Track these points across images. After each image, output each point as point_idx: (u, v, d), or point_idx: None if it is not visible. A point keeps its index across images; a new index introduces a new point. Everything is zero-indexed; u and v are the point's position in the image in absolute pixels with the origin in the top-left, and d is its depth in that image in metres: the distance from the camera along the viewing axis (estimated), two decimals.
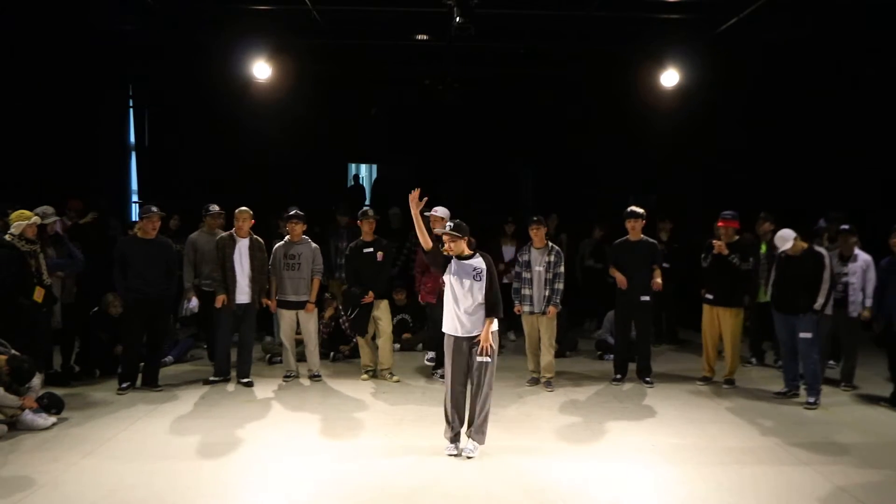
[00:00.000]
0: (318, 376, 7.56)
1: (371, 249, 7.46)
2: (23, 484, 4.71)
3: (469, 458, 5.25)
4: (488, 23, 8.30)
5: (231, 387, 7.19)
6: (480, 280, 5.26)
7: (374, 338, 7.66)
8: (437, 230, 5.44)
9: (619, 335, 7.68)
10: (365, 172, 17.66)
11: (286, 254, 7.44)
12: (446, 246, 5.34)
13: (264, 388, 7.17)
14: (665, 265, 7.67)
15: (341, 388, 7.27)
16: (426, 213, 7.70)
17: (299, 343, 7.68)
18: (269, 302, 7.35)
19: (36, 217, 6.60)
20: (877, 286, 7.07)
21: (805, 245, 6.70)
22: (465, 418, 5.43)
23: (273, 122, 11.91)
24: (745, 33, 9.24)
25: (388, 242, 7.70)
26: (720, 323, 7.37)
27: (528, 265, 7.24)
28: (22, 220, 6.50)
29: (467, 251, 5.36)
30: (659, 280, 7.30)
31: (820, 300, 6.58)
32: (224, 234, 7.32)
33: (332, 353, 8.36)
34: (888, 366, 7.15)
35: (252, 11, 8.97)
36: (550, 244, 7.30)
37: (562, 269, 7.21)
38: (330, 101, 12.74)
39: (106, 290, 7.54)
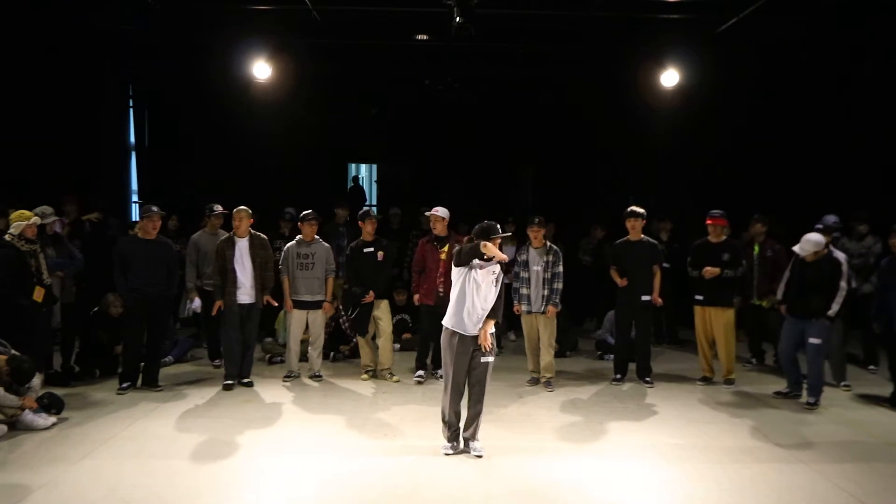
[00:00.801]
0: (319, 376, 7.57)
1: (371, 249, 7.46)
2: (23, 484, 4.71)
3: (479, 456, 5.24)
4: (488, 23, 8.30)
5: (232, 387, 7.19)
6: (497, 284, 5.27)
7: (374, 338, 7.66)
8: (495, 237, 5.25)
9: (619, 335, 7.68)
10: (365, 172, 17.68)
11: (299, 253, 7.44)
12: (491, 252, 5.18)
13: (264, 388, 7.17)
14: (665, 265, 7.68)
15: (341, 388, 7.27)
16: (427, 213, 7.72)
17: (302, 342, 7.67)
18: (270, 298, 7.27)
19: (35, 217, 6.60)
20: (878, 286, 7.07)
21: (825, 251, 6.68)
22: (461, 422, 5.43)
23: (273, 122, 11.91)
24: (745, 33, 9.24)
25: (389, 242, 7.70)
26: (712, 322, 7.38)
27: (526, 265, 7.25)
28: (21, 221, 6.50)
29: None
30: (656, 294, 7.31)
31: (834, 307, 6.56)
32: (223, 236, 7.27)
33: (332, 353, 8.37)
34: (888, 366, 7.16)
35: (252, 11, 8.96)
36: (549, 244, 7.30)
37: (560, 268, 7.21)
38: (330, 101, 12.75)
39: (106, 290, 7.54)
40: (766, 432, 5.94)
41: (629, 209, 7.45)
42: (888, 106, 9.40)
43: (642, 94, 10.74)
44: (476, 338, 5.30)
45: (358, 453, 5.39)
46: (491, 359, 5.34)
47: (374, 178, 17.76)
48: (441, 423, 5.43)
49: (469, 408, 5.39)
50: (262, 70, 9.72)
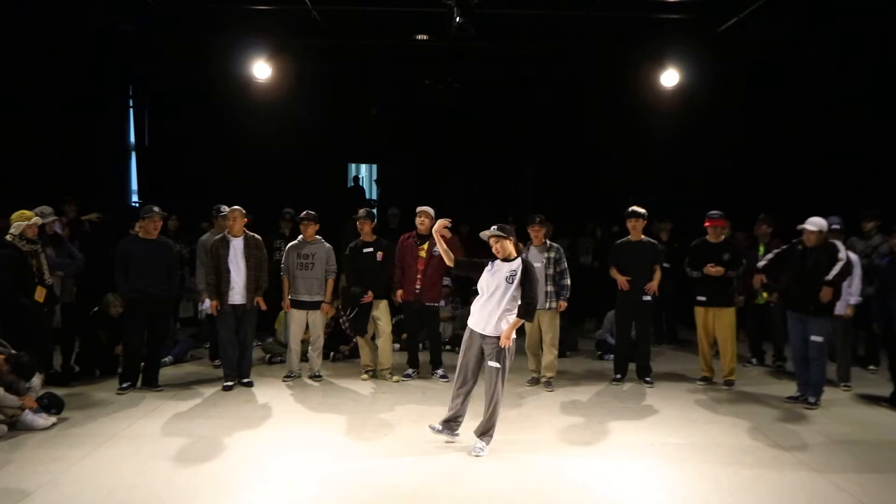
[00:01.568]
0: (319, 376, 7.57)
1: (371, 249, 7.47)
2: (23, 484, 4.70)
3: (476, 456, 5.25)
4: (488, 23, 8.30)
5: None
6: (512, 283, 5.23)
7: (373, 338, 7.66)
8: (484, 233, 5.35)
9: (619, 335, 7.68)
10: (365, 172, 17.68)
11: (299, 254, 7.43)
12: (494, 248, 5.29)
13: (264, 389, 7.17)
14: (665, 265, 7.67)
15: (341, 388, 7.27)
16: (419, 209, 7.69)
17: (302, 342, 7.67)
18: (261, 300, 7.21)
19: (36, 217, 6.60)
20: (879, 286, 7.06)
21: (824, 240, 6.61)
22: (462, 411, 5.51)
23: (273, 122, 11.91)
24: (745, 33, 9.24)
25: (389, 242, 7.71)
26: (714, 324, 7.37)
27: None
28: (22, 221, 6.50)
29: (514, 253, 5.33)
30: (654, 284, 7.29)
31: (833, 272, 6.42)
32: (216, 237, 7.23)
33: (332, 353, 8.37)
34: (888, 366, 7.16)
35: (252, 11, 8.97)
36: (549, 242, 7.31)
37: (566, 265, 7.23)
38: (330, 101, 12.75)
39: (106, 290, 7.54)
40: (766, 432, 5.94)
41: (630, 209, 7.45)
42: (889, 105, 9.39)
43: (642, 94, 10.74)
44: (484, 337, 5.30)
45: (357, 453, 5.39)
46: (497, 365, 5.28)
47: (374, 177, 17.78)
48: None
49: (484, 407, 5.39)
50: (262, 70, 9.72)
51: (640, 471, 5.11)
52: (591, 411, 6.50)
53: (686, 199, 11.50)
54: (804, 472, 5.10)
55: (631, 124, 12.25)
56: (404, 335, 8.88)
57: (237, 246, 7.08)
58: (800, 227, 6.66)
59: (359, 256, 7.45)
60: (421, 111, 13.70)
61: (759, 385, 7.47)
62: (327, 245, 7.58)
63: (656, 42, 9.80)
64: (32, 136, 9.17)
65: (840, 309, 7.14)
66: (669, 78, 9.97)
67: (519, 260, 5.32)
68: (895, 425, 6.27)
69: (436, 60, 11.30)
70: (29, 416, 5.76)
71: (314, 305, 7.45)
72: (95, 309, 7.65)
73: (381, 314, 7.50)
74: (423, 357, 7.83)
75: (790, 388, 6.99)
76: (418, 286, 7.37)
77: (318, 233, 7.59)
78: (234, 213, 7.09)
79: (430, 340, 7.72)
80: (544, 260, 7.16)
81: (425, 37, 9.97)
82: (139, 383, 7.04)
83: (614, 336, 8.04)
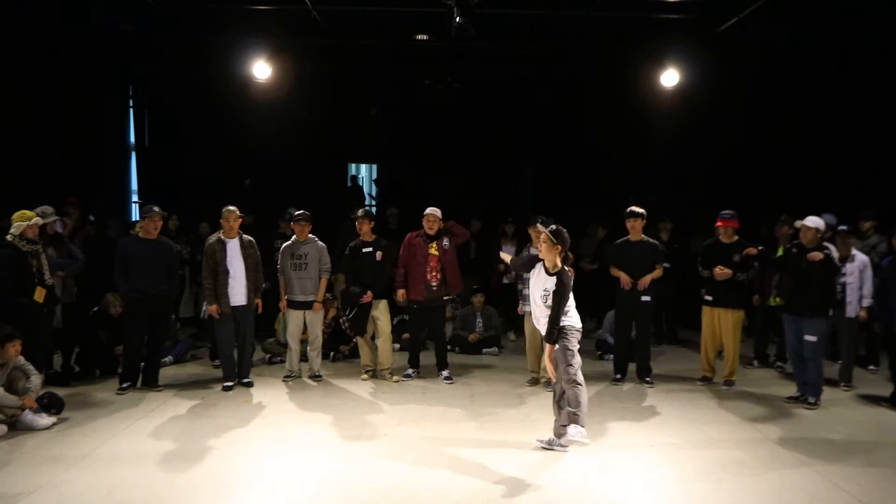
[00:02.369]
0: (319, 376, 7.57)
1: (370, 249, 7.47)
2: (23, 484, 4.71)
3: (569, 442, 5.04)
4: (488, 23, 8.30)
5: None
6: (545, 301, 5.18)
7: (373, 338, 7.66)
8: (539, 228, 5.33)
9: (619, 335, 7.68)
10: (365, 172, 17.68)
11: (293, 254, 7.44)
12: (538, 245, 5.24)
13: (264, 389, 7.17)
14: (666, 265, 7.67)
15: (341, 388, 7.27)
16: (427, 212, 7.69)
17: (302, 342, 7.68)
18: (259, 301, 7.24)
19: (37, 217, 6.60)
20: (878, 286, 7.06)
21: (819, 241, 6.62)
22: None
23: (273, 122, 11.91)
24: (745, 33, 9.24)
25: (388, 242, 7.71)
26: (720, 324, 7.36)
27: None
28: (23, 221, 6.50)
29: (557, 266, 5.18)
30: (647, 278, 7.26)
31: (829, 258, 6.46)
32: (212, 238, 7.21)
33: (332, 353, 8.37)
34: (888, 366, 7.16)
35: (252, 11, 8.96)
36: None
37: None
38: (330, 101, 12.74)
39: (106, 291, 7.54)
40: (766, 432, 5.94)
41: (629, 209, 7.44)
42: (889, 105, 9.40)
43: (642, 94, 10.73)
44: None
45: (357, 453, 5.39)
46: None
47: (374, 177, 17.78)
48: None
49: None
50: (262, 70, 9.72)
51: (640, 471, 5.10)
52: (590, 411, 6.41)
53: (686, 199, 11.51)
54: (804, 471, 5.10)
55: (631, 124, 12.24)
56: (404, 335, 8.90)
57: (234, 247, 7.06)
58: (798, 223, 6.69)
59: (358, 256, 7.45)
60: (421, 111, 13.70)
61: (759, 385, 7.46)
62: (320, 244, 7.57)
63: (656, 42, 9.79)
64: (33, 135, 9.16)
65: (852, 311, 7.15)
66: (669, 78, 9.97)
67: (555, 278, 5.15)
68: (895, 425, 6.27)
69: (436, 60, 11.29)
70: (29, 416, 5.76)
71: (310, 305, 7.45)
72: (95, 309, 7.65)
73: (381, 314, 7.50)
74: (424, 359, 7.82)
75: (790, 389, 6.99)
76: (434, 284, 7.38)
77: (316, 233, 7.59)
78: (230, 214, 7.07)
79: (435, 341, 7.72)
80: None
81: (425, 37, 9.97)
82: (139, 383, 7.04)
83: (614, 336, 8.04)
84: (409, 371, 7.62)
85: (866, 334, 8.01)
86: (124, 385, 6.92)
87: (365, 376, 7.58)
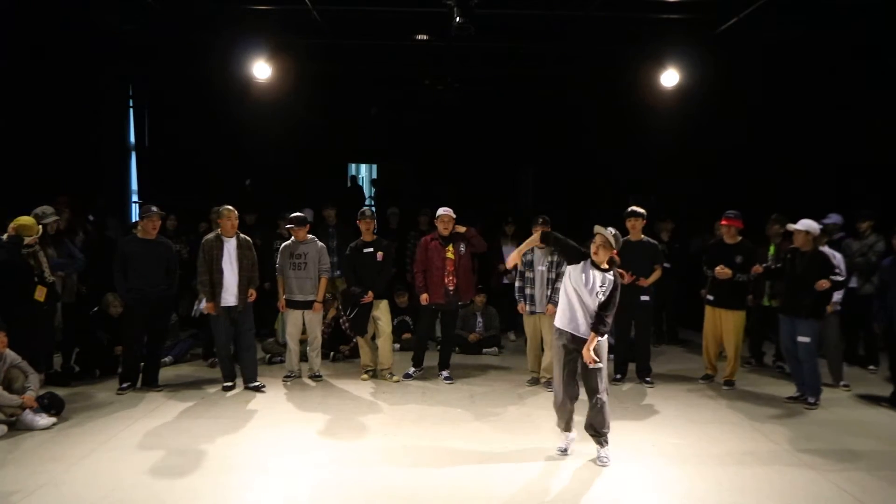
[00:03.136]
0: (319, 376, 7.57)
1: (371, 249, 7.46)
2: (23, 484, 4.71)
3: (603, 465, 5.15)
4: (488, 23, 8.29)
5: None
6: (599, 297, 5.13)
7: (373, 338, 7.66)
8: (598, 228, 5.23)
9: (618, 335, 7.67)
10: (365, 172, 17.69)
11: (292, 253, 7.43)
12: (595, 248, 5.16)
13: (264, 389, 7.16)
14: (666, 265, 7.67)
15: (341, 388, 7.27)
16: (440, 213, 7.66)
17: (302, 342, 7.67)
18: (252, 291, 7.12)
19: (39, 227, 6.61)
20: (878, 286, 7.06)
21: (813, 244, 6.66)
22: (571, 419, 5.38)
23: (273, 122, 11.91)
24: (745, 33, 9.23)
25: (389, 242, 7.70)
26: (721, 324, 7.37)
27: (530, 265, 7.22)
28: (30, 233, 6.49)
29: (605, 265, 5.19)
30: (648, 280, 7.26)
31: (834, 278, 6.50)
32: (209, 235, 7.15)
33: (332, 353, 8.37)
34: (888, 366, 7.16)
35: (252, 11, 8.96)
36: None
37: (565, 268, 7.19)
38: (330, 101, 12.74)
39: (106, 291, 7.54)
40: (766, 432, 5.94)
41: (629, 209, 7.44)
42: (889, 105, 9.40)
43: (642, 94, 10.73)
44: (576, 338, 5.24)
45: (358, 453, 5.39)
46: (601, 365, 5.16)
47: (373, 177, 17.78)
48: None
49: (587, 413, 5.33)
50: (262, 70, 9.71)
51: (640, 471, 5.11)
52: None
53: (686, 199, 11.50)
54: (804, 471, 5.10)
55: (631, 124, 12.24)
56: (404, 335, 8.90)
57: (231, 247, 7.02)
58: (790, 226, 6.71)
59: (359, 256, 7.45)
60: (421, 111, 13.70)
61: (759, 385, 7.46)
62: (320, 244, 7.57)
63: (656, 42, 9.79)
64: (32, 135, 9.16)
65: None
66: (669, 78, 9.96)
67: (612, 276, 5.15)
68: (895, 425, 6.27)
69: (436, 60, 11.29)
70: (29, 415, 5.76)
71: (308, 305, 7.44)
72: (95, 309, 7.65)
73: (382, 314, 7.50)
74: (426, 359, 7.82)
75: (790, 389, 6.99)
76: (451, 287, 7.37)
77: (314, 233, 7.60)
78: (229, 213, 7.03)
79: (442, 342, 7.72)
80: (547, 263, 7.15)
81: (425, 37, 9.97)
82: (139, 383, 7.04)
83: (614, 336, 8.03)
84: (411, 370, 7.60)
85: (865, 334, 8.01)
86: (124, 385, 6.92)
87: (365, 376, 7.58)
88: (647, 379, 7.45)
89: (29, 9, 8.59)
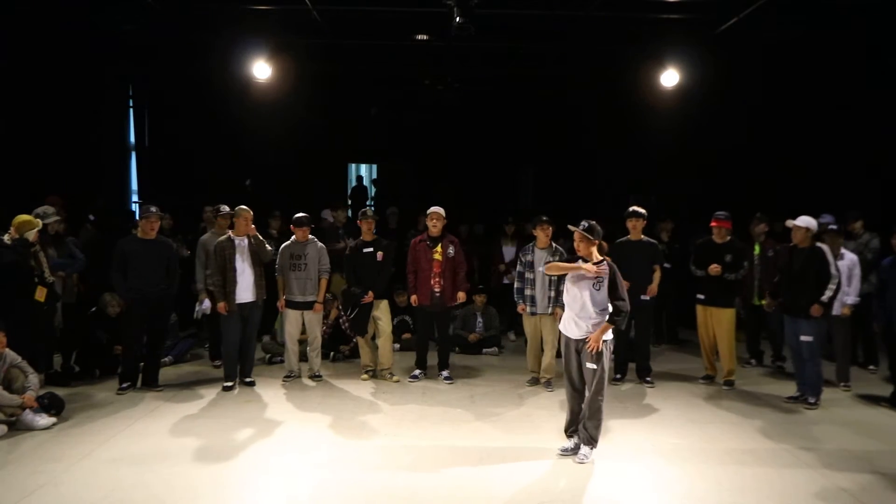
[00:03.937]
0: (319, 376, 7.57)
1: (371, 249, 7.46)
2: (23, 484, 4.71)
3: (580, 463, 5.18)
4: (488, 23, 8.30)
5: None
6: (599, 289, 5.17)
7: (373, 338, 7.66)
8: (573, 227, 5.28)
9: (618, 335, 7.65)
10: (365, 172, 17.71)
11: (292, 254, 7.44)
12: (576, 244, 5.25)
13: (264, 388, 7.17)
14: (666, 265, 7.66)
15: (341, 388, 7.27)
16: (430, 211, 7.68)
17: (301, 342, 7.68)
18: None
19: (38, 220, 6.62)
20: (878, 286, 7.06)
21: (811, 241, 6.65)
22: (578, 419, 5.39)
23: (273, 122, 11.92)
24: (745, 33, 9.24)
25: (389, 242, 7.70)
26: (714, 323, 7.38)
27: (531, 265, 7.21)
28: (31, 228, 6.49)
29: (597, 256, 5.23)
30: (654, 286, 7.29)
31: (827, 293, 6.50)
32: (221, 237, 7.20)
33: (332, 353, 8.37)
34: (888, 366, 7.16)
35: (252, 11, 8.97)
36: (554, 245, 7.29)
37: None
38: (330, 101, 12.76)
39: (104, 291, 7.53)
40: (766, 432, 5.94)
41: (630, 209, 7.44)
42: (889, 105, 9.40)
43: (642, 94, 10.74)
44: (579, 342, 5.28)
45: (358, 453, 5.38)
46: (594, 366, 5.19)
47: (374, 177, 17.80)
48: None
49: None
50: (262, 70, 9.72)
51: (640, 471, 5.11)
52: None
53: (686, 199, 11.51)
54: (804, 471, 5.10)
55: (631, 124, 12.24)
56: (404, 335, 8.90)
57: (242, 246, 7.09)
58: (788, 222, 6.71)
59: (359, 256, 7.45)
60: (421, 111, 13.71)
61: (758, 385, 7.46)
62: (320, 244, 7.57)
63: (656, 42, 9.80)
64: (32, 136, 9.16)
65: (836, 309, 7.15)
66: (669, 78, 9.97)
67: (605, 265, 5.18)
68: (895, 425, 6.27)
69: (436, 60, 11.30)
70: (29, 415, 5.76)
71: (308, 305, 7.44)
72: (93, 309, 7.65)
73: (382, 314, 7.50)
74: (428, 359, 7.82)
75: (790, 389, 6.99)
76: (437, 290, 7.36)
77: (314, 233, 7.61)
78: (242, 213, 7.09)
79: (438, 343, 7.71)
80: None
81: (425, 37, 9.98)
82: (139, 383, 7.04)
83: (613, 336, 8.02)
84: (417, 372, 7.58)
85: (865, 334, 8.01)
86: (124, 385, 6.92)
87: (365, 376, 7.58)
88: (647, 379, 7.45)
89: (29, 9, 8.59)
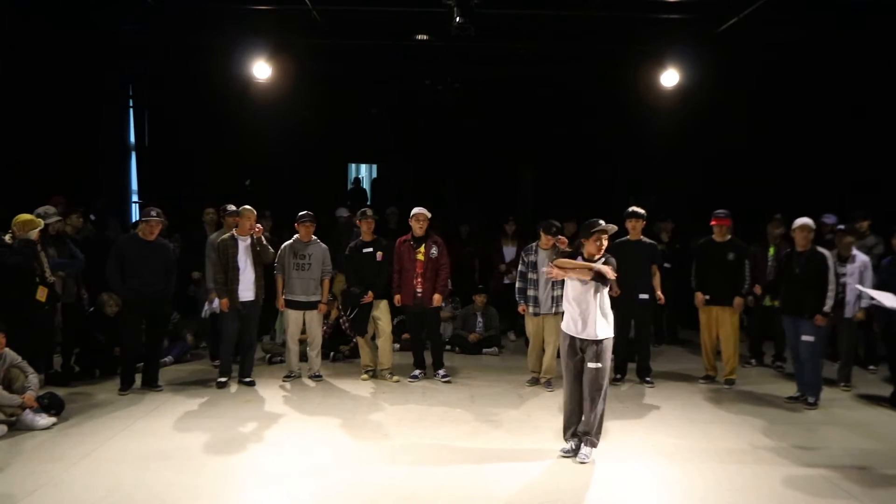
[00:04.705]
0: (319, 376, 7.57)
1: (370, 249, 7.47)
2: (23, 484, 4.71)
3: (581, 463, 5.17)
4: (488, 23, 8.29)
5: (232, 387, 7.18)
6: (604, 287, 5.18)
7: (373, 338, 7.66)
8: (597, 230, 5.26)
9: (618, 335, 7.64)
10: (365, 172, 17.70)
11: (296, 253, 7.44)
12: (592, 245, 5.24)
13: (264, 388, 7.17)
14: (666, 265, 7.66)
15: (341, 388, 7.27)
16: (414, 212, 7.65)
17: (302, 342, 7.68)
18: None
19: (40, 220, 6.62)
20: (878, 286, 7.05)
21: (811, 245, 6.66)
22: (579, 419, 5.38)
23: (273, 122, 11.91)
24: (745, 33, 9.24)
25: (388, 242, 7.70)
26: (717, 322, 7.37)
27: (534, 266, 7.20)
28: (32, 227, 6.49)
29: (596, 256, 5.28)
30: (659, 291, 7.30)
31: (828, 303, 6.53)
32: (224, 235, 7.27)
33: (332, 353, 8.37)
34: (888, 366, 7.16)
35: (252, 11, 8.96)
36: (557, 246, 7.27)
37: None
38: (330, 101, 12.74)
39: (103, 291, 7.53)
40: (767, 432, 5.94)
41: (629, 209, 7.44)
42: (889, 105, 9.40)
43: (642, 94, 10.73)
44: (584, 341, 5.29)
45: (357, 453, 5.39)
46: (598, 365, 5.21)
47: (373, 177, 17.79)
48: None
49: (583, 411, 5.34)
50: (262, 70, 9.71)
51: (641, 470, 5.11)
52: None
53: (686, 199, 11.50)
54: (804, 471, 5.10)
55: (631, 124, 12.23)
56: (404, 335, 8.90)
57: (245, 245, 7.13)
58: (795, 225, 6.72)
59: (358, 256, 7.45)
60: (421, 111, 13.70)
61: (759, 385, 7.46)
62: (323, 245, 7.59)
63: (656, 42, 9.79)
64: (33, 136, 9.16)
65: (849, 311, 7.15)
66: (669, 78, 9.96)
67: (612, 262, 5.23)
68: (895, 425, 6.27)
69: (436, 60, 11.29)
70: (29, 415, 5.76)
71: (310, 305, 7.45)
72: (91, 309, 7.64)
73: (382, 314, 7.50)
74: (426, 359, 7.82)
75: (790, 388, 6.99)
76: (419, 290, 7.36)
77: (315, 233, 7.61)
78: (246, 213, 7.14)
79: (431, 342, 7.71)
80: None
81: (425, 37, 9.97)
82: (139, 383, 7.04)
83: (614, 336, 8.02)
84: (416, 372, 7.58)
85: (865, 334, 8.01)
86: (124, 386, 6.91)
87: (365, 376, 7.57)
88: (647, 379, 7.45)
89: (29, 9, 8.59)
